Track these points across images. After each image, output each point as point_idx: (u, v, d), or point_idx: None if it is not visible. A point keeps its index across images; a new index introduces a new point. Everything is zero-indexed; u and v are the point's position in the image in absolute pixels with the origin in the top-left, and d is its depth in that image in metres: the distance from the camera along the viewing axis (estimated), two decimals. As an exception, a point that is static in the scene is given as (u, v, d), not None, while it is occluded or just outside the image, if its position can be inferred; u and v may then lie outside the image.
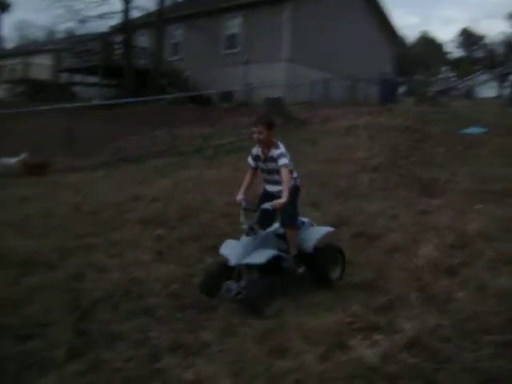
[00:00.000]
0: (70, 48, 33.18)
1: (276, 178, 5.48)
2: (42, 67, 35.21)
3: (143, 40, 32.82)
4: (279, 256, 5.37)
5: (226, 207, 8.26)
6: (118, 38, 31.73)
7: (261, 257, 5.12)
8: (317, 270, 5.69)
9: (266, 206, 5.22)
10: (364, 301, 5.21)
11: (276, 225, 5.67)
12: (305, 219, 5.89)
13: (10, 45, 43.53)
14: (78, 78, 33.27)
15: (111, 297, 5.38)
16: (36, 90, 33.57)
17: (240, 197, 5.50)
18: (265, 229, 5.50)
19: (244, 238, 5.33)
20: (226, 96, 26.50)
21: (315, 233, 5.80)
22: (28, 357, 4.27)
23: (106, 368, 4.10)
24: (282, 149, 5.38)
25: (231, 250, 5.29)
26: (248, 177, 5.67)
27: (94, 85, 31.28)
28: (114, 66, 29.66)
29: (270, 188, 5.66)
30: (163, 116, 17.76)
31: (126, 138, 16.27)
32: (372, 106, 21.83)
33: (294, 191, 5.52)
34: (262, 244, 5.32)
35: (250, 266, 5.16)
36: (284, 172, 5.27)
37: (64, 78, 33.88)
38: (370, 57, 32.20)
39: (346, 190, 9.57)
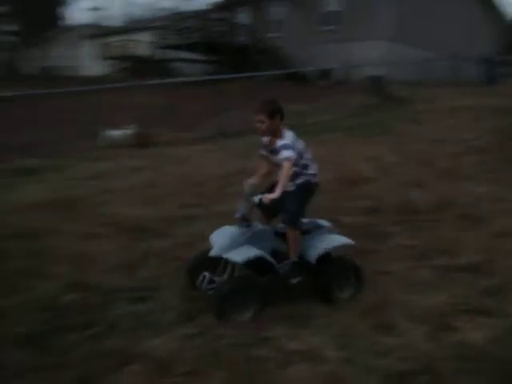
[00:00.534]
0: (172, 25, 33.83)
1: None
2: (144, 44, 36.22)
3: (243, 17, 32.99)
4: (268, 259, 4.68)
5: (326, 184, 8.23)
6: (219, 15, 32.07)
7: (241, 255, 4.53)
8: (318, 284, 4.93)
9: (255, 199, 4.65)
10: (470, 283, 5.09)
11: None
12: (325, 223, 5.17)
13: (115, 23, 44.93)
14: (178, 54, 33.97)
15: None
16: (138, 66, 34.64)
17: (251, 180, 4.87)
18: (271, 219, 5.03)
19: (234, 229, 4.74)
20: (324, 73, 26.20)
21: (326, 241, 4.97)
22: (141, 317, 4.48)
23: (212, 334, 4.23)
24: (286, 139, 4.71)
25: (219, 239, 4.76)
26: (260, 163, 5.11)
27: (193, 61, 31.88)
28: (214, 42, 30.01)
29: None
30: (261, 92, 17.84)
31: (226, 113, 16.48)
32: (475, 86, 20.97)
33: (304, 188, 4.89)
34: (253, 240, 4.68)
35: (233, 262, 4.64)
36: (284, 165, 4.61)
37: (165, 54, 34.68)
38: (473, 35, 30.79)
39: (451, 171, 9.28)
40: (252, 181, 4.84)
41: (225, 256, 4.57)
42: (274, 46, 29.88)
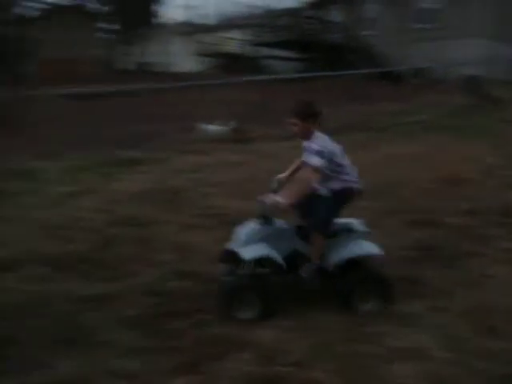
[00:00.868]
0: (264, 23, 34.10)
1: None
2: (236, 41, 36.71)
3: (336, 15, 32.78)
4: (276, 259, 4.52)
5: (425, 183, 8.12)
6: (311, 13, 32.05)
7: (249, 253, 4.45)
8: (337, 293, 4.68)
9: (263, 199, 4.43)
10: None
11: None
12: (360, 227, 4.83)
13: (208, 21, 45.77)
14: (270, 52, 34.20)
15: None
16: (230, 64, 35.14)
17: (279, 176, 4.91)
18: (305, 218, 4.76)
19: (254, 224, 4.64)
20: (418, 72, 25.63)
21: (350, 248, 4.65)
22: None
23: (316, 327, 4.29)
24: (316, 142, 4.50)
25: (239, 233, 4.69)
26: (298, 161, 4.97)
27: (285, 59, 32.01)
28: (306, 40, 30.02)
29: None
30: (354, 91, 17.73)
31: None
32: None
33: (341, 195, 4.65)
34: (270, 238, 4.55)
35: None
36: (302, 170, 4.55)
37: (257, 51, 35.00)
38: None
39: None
40: (280, 176, 4.89)
41: (237, 251, 4.51)
42: (366, 44, 29.53)
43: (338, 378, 3.64)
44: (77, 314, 4.57)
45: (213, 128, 13.27)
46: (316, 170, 4.40)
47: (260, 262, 4.53)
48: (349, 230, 4.73)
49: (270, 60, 34.39)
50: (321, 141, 4.52)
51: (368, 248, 4.70)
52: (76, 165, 9.95)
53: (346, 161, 4.69)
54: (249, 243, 4.51)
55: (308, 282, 4.65)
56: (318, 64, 27.46)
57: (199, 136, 12.98)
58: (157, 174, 9.05)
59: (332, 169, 4.56)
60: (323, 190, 4.64)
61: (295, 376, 3.65)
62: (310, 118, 4.58)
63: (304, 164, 4.53)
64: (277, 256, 4.49)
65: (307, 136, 4.60)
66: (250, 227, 4.64)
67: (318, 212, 4.58)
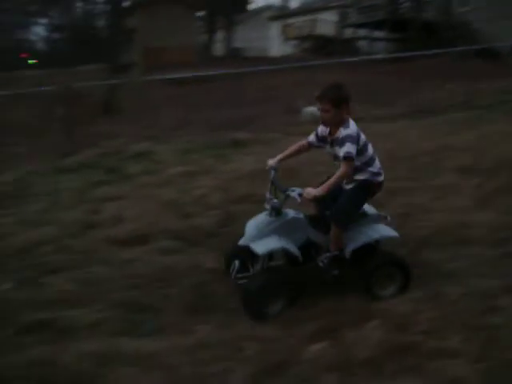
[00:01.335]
0: (356, 3, 33.65)
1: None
2: (327, 23, 36.43)
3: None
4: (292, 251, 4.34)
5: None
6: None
7: (263, 246, 4.25)
8: (356, 279, 4.54)
9: (293, 194, 4.21)
10: None
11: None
12: (372, 211, 4.68)
13: (299, 4, 45.77)
14: (362, 32, 33.77)
15: (437, 236, 5.60)
16: (321, 46, 34.97)
17: (272, 161, 4.60)
18: (325, 229, 4.48)
19: (263, 217, 4.44)
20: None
21: (366, 233, 4.51)
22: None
23: (443, 299, 4.33)
24: (351, 128, 4.24)
25: (250, 227, 4.47)
26: (296, 145, 4.78)
27: (378, 39, 31.51)
28: (400, 19, 29.41)
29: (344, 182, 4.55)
30: (452, 70, 17.26)
31: (418, 90, 16.16)
32: None
33: (365, 187, 4.45)
34: (283, 230, 4.35)
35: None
36: (344, 164, 4.18)
37: (349, 33, 34.62)
38: None
39: None
40: (273, 162, 4.59)
41: (250, 246, 4.30)
42: (462, 21, 28.57)
43: (471, 346, 3.67)
44: (209, 284, 4.83)
45: (314, 109, 13.36)
46: (350, 157, 4.17)
47: (272, 254, 4.42)
48: (362, 215, 4.58)
49: (362, 41, 33.97)
50: (355, 127, 4.28)
51: (383, 231, 4.58)
52: (186, 147, 10.35)
53: (371, 150, 4.45)
54: (261, 237, 4.31)
55: (325, 272, 4.50)
56: (412, 44, 26.87)
57: (301, 117, 13.11)
58: (266, 155, 9.20)
59: (362, 158, 4.35)
60: (349, 183, 4.46)
61: (429, 344, 3.71)
62: (343, 103, 4.27)
63: (344, 158, 4.18)
64: (292, 247, 4.32)
65: (340, 124, 4.29)
66: (259, 220, 4.44)
67: (340, 204, 4.37)
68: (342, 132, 4.23)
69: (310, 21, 38.02)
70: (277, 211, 4.32)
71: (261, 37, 41.87)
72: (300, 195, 4.15)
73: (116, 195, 7.52)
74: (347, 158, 4.16)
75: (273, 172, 4.50)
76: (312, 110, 13.24)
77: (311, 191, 4.10)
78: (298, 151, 4.76)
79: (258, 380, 3.44)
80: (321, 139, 4.54)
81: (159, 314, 4.43)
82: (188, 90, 16.97)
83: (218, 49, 41.67)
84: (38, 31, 63.23)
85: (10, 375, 3.57)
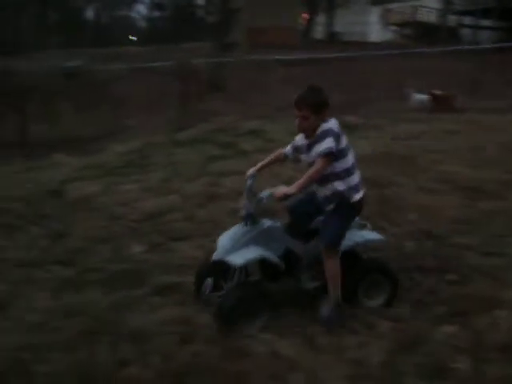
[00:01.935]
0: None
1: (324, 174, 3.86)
2: (429, 10, 35.54)
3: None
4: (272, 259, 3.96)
5: None
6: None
7: (240, 257, 3.85)
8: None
9: (262, 194, 3.87)
10: None
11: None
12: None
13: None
14: (467, 20, 32.72)
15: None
16: (422, 33, 34.17)
17: (251, 171, 4.06)
18: (304, 238, 4.11)
19: (237, 228, 4.05)
20: None
21: (351, 237, 4.08)
22: (492, 270, 4.68)
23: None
24: (332, 123, 3.80)
25: (224, 240, 4.06)
26: (273, 155, 4.25)
27: (484, 28, 30.43)
28: (509, 7, 28.27)
29: (317, 190, 4.07)
30: None
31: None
32: None
33: (347, 208, 3.97)
34: (259, 239, 3.97)
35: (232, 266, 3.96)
36: (319, 162, 3.70)
37: (452, 20, 33.64)
38: None
39: None
40: (251, 171, 4.08)
41: (226, 259, 3.90)
42: None
43: None
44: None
45: (421, 96, 13.27)
46: (329, 153, 3.68)
47: (248, 269, 4.11)
48: None
49: (467, 29, 32.93)
50: (337, 125, 3.83)
51: (367, 235, 4.26)
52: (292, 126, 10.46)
53: (354, 161, 3.97)
54: (237, 248, 3.93)
55: (305, 283, 4.13)
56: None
57: (409, 104, 13.05)
58: (378, 140, 9.28)
59: (343, 165, 3.85)
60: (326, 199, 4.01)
61: None
62: (324, 108, 3.81)
63: (320, 154, 3.71)
64: (271, 255, 3.96)
65: (317, 127, 3.83)
66: (233, 232, 4.06)
67: (330, 223, 3.95)
68: (323, 126, 3.78)
69: (412, 7, 37.19)
70: (252, 219, 3.96)
71: (360, 21, 41.27)
72: (270, 195, 3.82)
73: (233, 170, 7.73)
74: (327, 153, 3.67)
75: (250, 181, 4.02)
76: (422, 97, 13.15)
77: (282, 189, 3.69)
78: (275, 161, 4.29)
79: (393, 354, 3.53)
80: (295, 149, 4.11)
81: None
82: (294, 72, 17.07)
83: (318, 32, 41.44)
84: (140, 9, 64.80)
85: (149, 331, 3.82)
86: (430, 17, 35.40)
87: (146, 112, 12.20)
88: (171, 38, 42.06)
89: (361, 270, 4.19)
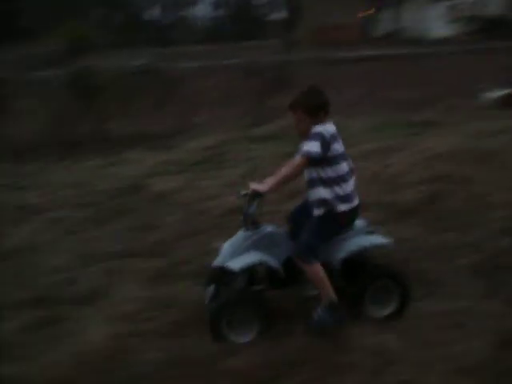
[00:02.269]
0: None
1: (312, 175, 3.73)
2: (494, 4, 34.67)
3: None
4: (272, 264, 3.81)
5: None
6: None
7: (238, 262, 3.74)
8: (346, 297, 3.86)
9: (242, 191, 3.85)
10: None
11: None
12: (360, 224, 3.98)
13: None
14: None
15: None
16: (487, 28, 33.36)
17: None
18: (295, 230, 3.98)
19: (239, 234, 3.93)
20: None
21: (354, 242, 3.88)
22: None
23: None
24: (325, 127, 3.61)
25: (224, 247, 3.97)
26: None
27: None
28: None
29: (307, 194, 3.91)
30: None
31: None
32: None
33: (331, 218, 3.75)
34: (260, 245, 3.83)
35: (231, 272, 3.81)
36: (292, 161, 3.61)
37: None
38: None
39: None
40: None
41: (225, 265, 3.80)
42: None
43: None
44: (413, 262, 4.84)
45: (493, 94, 12.94)
46: (306, 155, 3.52)
47: (253, 278, 3.97)
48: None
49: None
50: (332, 129, 3.66)
51: (374, 240, 3.97)
52: (373, 124, 10.48)
53: (348, 171, 3.77)
54: (237, 254, 3.83)
55: (306, 291, 3.94)
56: None
57: (482, 102, 12.76)
58: (456, 136, 9.08)
59: (329, 173, 3.68)
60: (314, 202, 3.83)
61: None
62: (320, 110, 3.66)
63: (300, 153, 3.60)
64: (272, 260, 3.82)
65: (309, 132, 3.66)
66: (235, 238, 3.95)
67: (304, 236, 3.76)
68: (313, 129, 3.61)
69: (475, 2, 36.31)
70: (252, 223, 3.84)
71: (422, 17, 40.55)
72: (245, 193, 3.79)
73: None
74: (303, 154, 3.52)
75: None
76: (490, 93, 12.86)
77: (254, 186, 3.62)
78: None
79: (497, 348, 3.48)
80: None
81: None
82: (359, 69, 16.99)
83: (382, 29, 40.97)
84: (201, 9, 65.52)
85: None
86: (496, 10, 34.44)
87: (213, 109, 12.35)
88: (231, 36, 42.38)
89: (368, 275, 3.97)
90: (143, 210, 6.70)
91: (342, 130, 9.26)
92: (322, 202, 3.72)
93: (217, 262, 3.90)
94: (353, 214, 3.79)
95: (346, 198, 3.71)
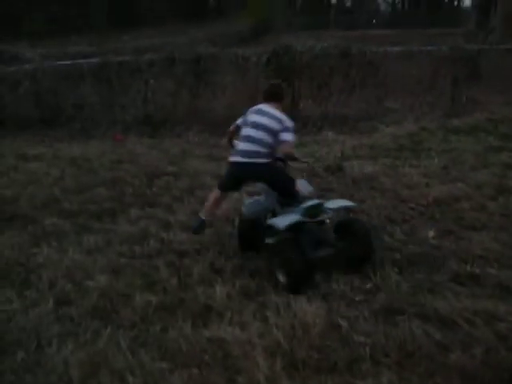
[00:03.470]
0: None
1: None
2: None
3: None
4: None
5: None
6: None
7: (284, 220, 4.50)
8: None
9: None
10: None
11: None
12: (306, 190, 4.84)
13: None
14: None
15: None
16: None
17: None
18: None
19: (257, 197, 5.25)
20: None
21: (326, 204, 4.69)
22: None
23: None
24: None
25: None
26: None
27: None
28: None
29: None
30: None
31: None
32: None
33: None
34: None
35: None
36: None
37: None
38: None
39: None
40: None
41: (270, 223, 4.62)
42: None
43: None
44: None
45: None
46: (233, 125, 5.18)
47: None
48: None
49: None
50: (255, 107, 4.95)
51: (341, 202, 4.94)
52: None
53: (244, 134, 4.83)
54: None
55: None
56: None
57: None
58: None
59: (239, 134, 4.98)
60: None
61: None
62: (280, 99, 4.96)
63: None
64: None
65: None
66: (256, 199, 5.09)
67: None
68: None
69: None
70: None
71: None
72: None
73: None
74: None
75: None
76: None
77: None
78: None
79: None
80: None
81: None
82: None
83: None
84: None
85: (457, 319, 3.77)
86: None
87: (407, 95, 12.01)
88: (412, 22, 40.81)
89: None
90: (345, 191, 6.70)
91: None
92: None
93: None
94: (233, 167, 4.91)
95: (234, 152, 4.90)
